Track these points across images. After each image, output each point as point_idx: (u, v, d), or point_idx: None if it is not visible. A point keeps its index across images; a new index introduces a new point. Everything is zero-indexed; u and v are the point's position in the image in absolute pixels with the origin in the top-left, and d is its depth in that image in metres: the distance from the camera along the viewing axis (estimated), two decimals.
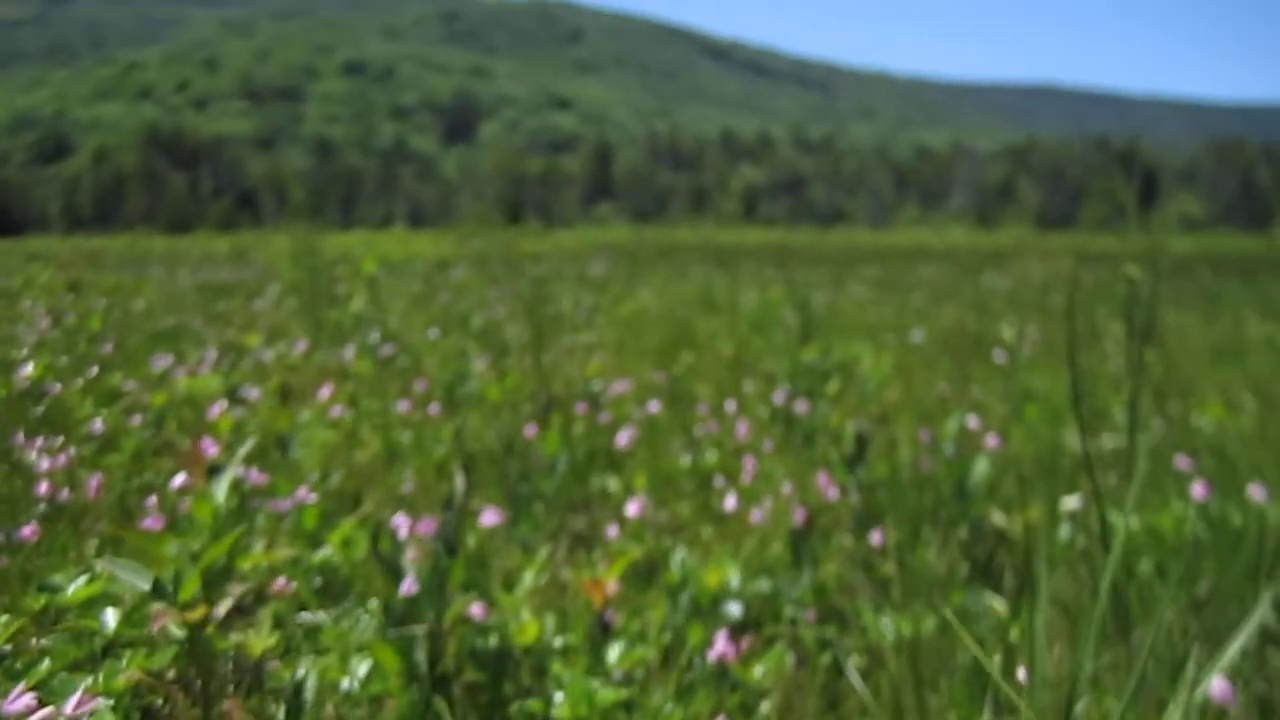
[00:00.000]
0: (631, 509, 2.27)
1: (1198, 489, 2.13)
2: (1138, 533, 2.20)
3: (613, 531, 2.37)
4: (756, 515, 2.32)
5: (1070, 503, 2.30)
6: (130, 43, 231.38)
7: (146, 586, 1.14)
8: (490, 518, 1.74)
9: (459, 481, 1.50)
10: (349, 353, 4.45)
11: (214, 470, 1.26)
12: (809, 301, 8.39)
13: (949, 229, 74.82)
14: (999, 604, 1.95)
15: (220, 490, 1.24)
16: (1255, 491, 2.06)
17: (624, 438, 2.95)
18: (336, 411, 3.35)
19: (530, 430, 3.06)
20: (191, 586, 1.16)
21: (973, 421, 2.70)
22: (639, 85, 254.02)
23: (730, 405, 3.76)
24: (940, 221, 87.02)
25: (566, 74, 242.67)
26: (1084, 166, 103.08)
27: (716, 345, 5.72)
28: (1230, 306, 9.76)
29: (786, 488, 2.79)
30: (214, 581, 1.23)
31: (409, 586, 1.38)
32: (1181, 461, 2.30)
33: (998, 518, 2.36)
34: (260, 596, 1.35)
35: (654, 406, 3.36)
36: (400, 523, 1.63)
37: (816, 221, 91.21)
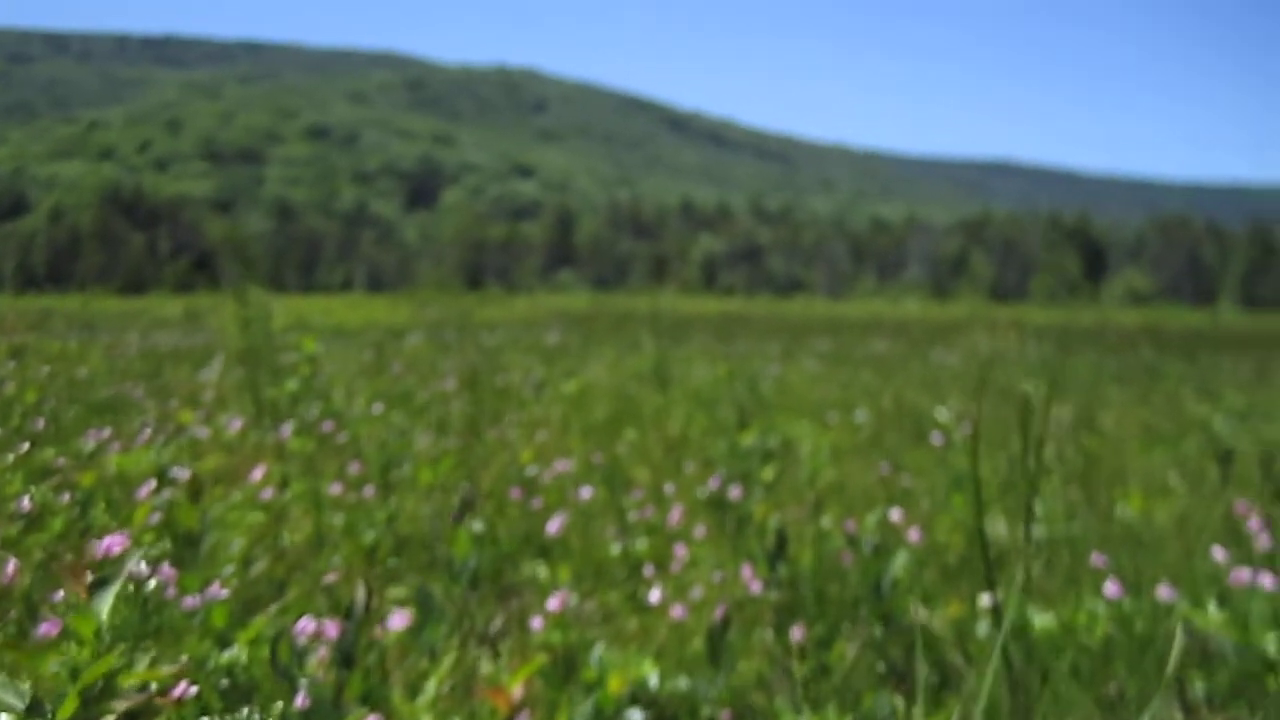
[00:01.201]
0: (553, 603, 2.26)
1: (1111, 587, 2.16)
2: (1053, 631, 2.22)
3: (538, 623, 2.36)
4: (678, 611, 2.32)
5: (988, 599, 2.31)
6: (93, 103, 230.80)
7: (21, 706, 1.12)
8: (397, 621, 1.72)
9: (360, 591, 1.49)
10: (287, 430, 4.42)
11: (100, 583, 1.25)
12: (757, 378, 8.45)
13: (904, 300, 75.92)
14: (908, 704, 1.96)
15: (104, 604, 1.23)
16: (1163, 591, 2.10)
17: (554, 525, 2.94)
18: (268, 494, 3.31)
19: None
20: (69, 708, 1.14)
21: (896, 514, 2.72)
22: (601, 154, 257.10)
23: (669, 488, 3.77)
24: (896, 292, 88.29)
25: (530, 142, 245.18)
26: (1036, 241, 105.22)
27: (661, 423, 5.73)
28: (1169, 384, 9.95)
29: (717, 577, 2.79)
30: (96, 698, 1.21)
31: (302, 701, 1.36)
32: (1098, 558, 2.34)
33: (919, 614, 2.38)
34: (150, 709, 1.33)
35: (586, 492, 3.36)
36: (305, 627, 1.62)
37: (775, 290, 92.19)
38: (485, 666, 1.76)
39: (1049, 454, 4.48)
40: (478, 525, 2.92)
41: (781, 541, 2.29)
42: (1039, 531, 3.11)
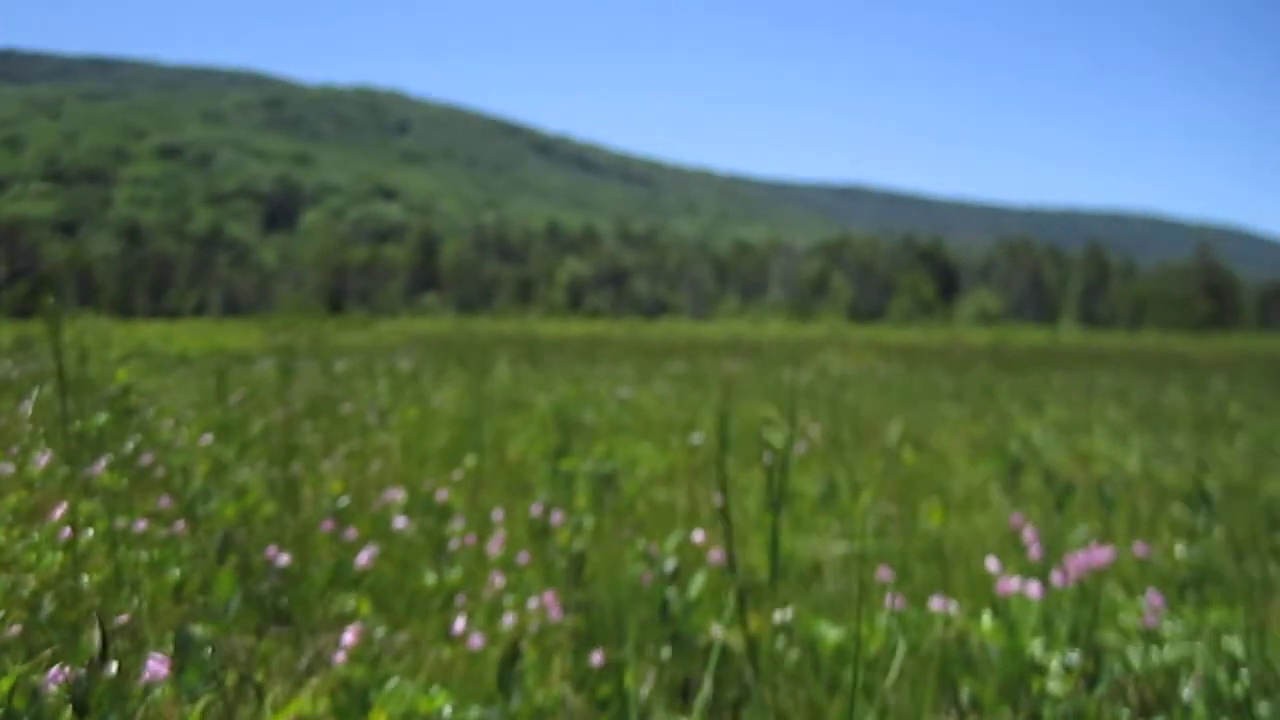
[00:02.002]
0: (348, 636, 2.22)
1: (896, 600, 2.25)
2: (841, 643, 2.29)
3: (340, 657, 2.31)
4: (476, 640, 2.31)
5: (783, 615, 2.38)
6: None
7: None
8: (155, 666, 1.66)
9: (95, 636, 1.43)
10: (101, 465, 4.23)
11: None
12: (604, 401, 8.50)
13: (767, 321, 77.49)
14: None
15: None
16: (935, 603, 2.19)
17: (364, 557, 2.89)
18: (67, 532, 3.16)
19: (272, 553, 2.97)
20: None
21: (699, 535, 2.77)
22: (466, 177, 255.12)
23: (498, 514, 3.75)
24: (758, 314, 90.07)
25: (393, 164, 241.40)
26: (892, 263, 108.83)
27: (502, 447, 5.70)
28: (1002, 400, 10.40)
29: (535, 604, 2.79)
30: None
31: None
32: (884, 572, 2.42)
33: (716, 631, 2.42)
34: None
35: (401, 522, 3.32)
36: (55, 675, 1.54)
37: (640, 313, 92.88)
38: (247, 710, 1.71)
39: (872, 470, 4.64)
40: (284, 559, 2.85)
41: (579, 566, 2.30)
42: (847, 548, 3.21)
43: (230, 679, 1.68)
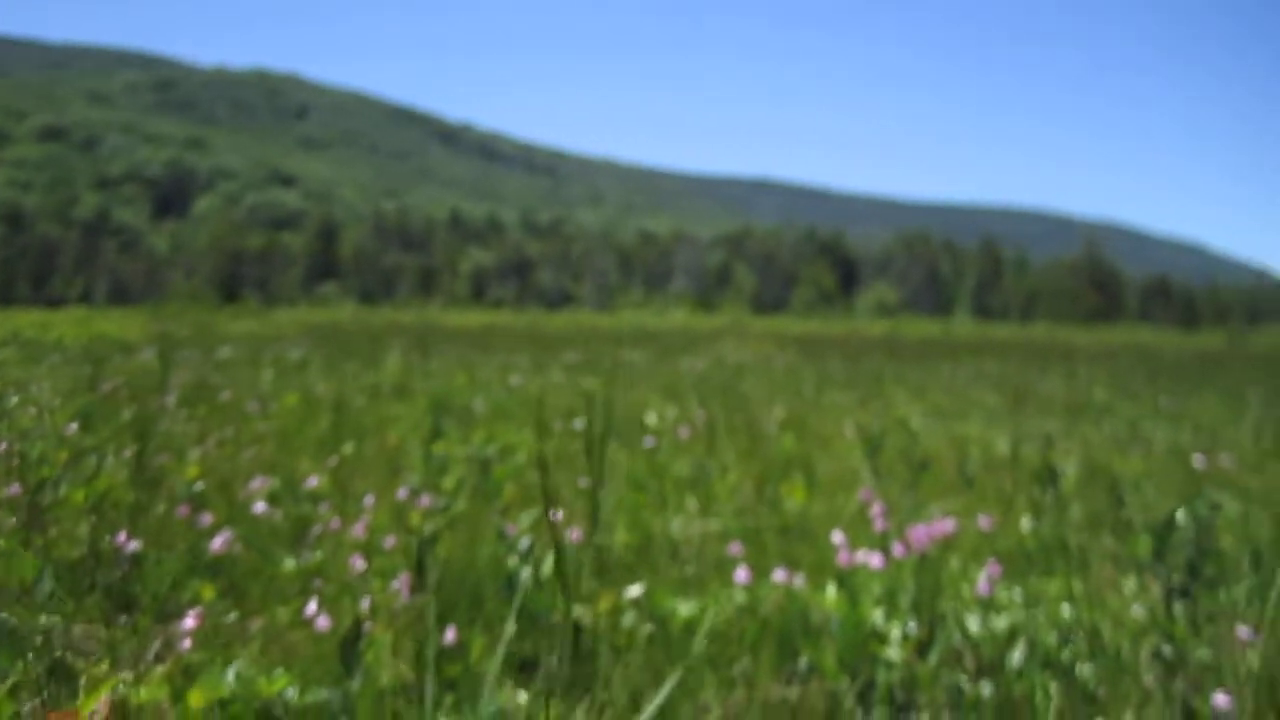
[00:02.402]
0: (188, 622, 2.16)
1: (741, 573, 2.29)
2: (692, 617, 2.32)
3: (187, 644, 2.25)
4: (323, 621, 2.27)
5: (633, 591, 2.39)
6: None
7: None
8: None
9: None
10: None
11: None
12: (493, 387, 8.44)
13: (670, 311, 77.87)
14: (544, 696, 2.00)
15: None
16: (779, 575, 2.24)
17: (219, 542, 2.83)
18: None
19: (121, 539, 2.88)
20: None
21: (559, 515, 2.77)
22: (367, 165, 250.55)
23: (369, 499, 3.69)
24: (662, 304, 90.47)
25: (290, 150, 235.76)
26: (795, 255, 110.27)
27: (383, 434, 5.62)
28: (891, 387, 10.65)
29: (397, 586, 2.75)
30: None
31: None
32: (735, 547, 2.46)
33: (577, 611, 2.43)
34: None
35: (261, 507, 3.25)
36: None
37: (544, 304, 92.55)
38: (60, 691, 1.66)
39: (748, 453, 4.70)
40: (133, 545, 2.77)
41: (429, 543, 2.29)
42: (715, 525, 3.25)
43: (44, 662, 1.62)
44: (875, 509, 2.53)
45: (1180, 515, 2.21)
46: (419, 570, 2.30)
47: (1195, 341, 41.72)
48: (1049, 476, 3.01)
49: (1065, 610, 2.37)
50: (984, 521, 2.61)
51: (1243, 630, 2.08)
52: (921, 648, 2.03)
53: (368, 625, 2.18)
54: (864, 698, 2.00)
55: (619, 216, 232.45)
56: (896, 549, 2.30)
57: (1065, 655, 2.14)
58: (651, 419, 4.78)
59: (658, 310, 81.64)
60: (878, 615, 2.17)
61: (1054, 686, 2.06)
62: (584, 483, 3.72)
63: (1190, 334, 57.97)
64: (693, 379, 11.52)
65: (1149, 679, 2.05)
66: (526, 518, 2.58)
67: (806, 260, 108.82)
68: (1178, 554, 2.14)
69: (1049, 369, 15.16)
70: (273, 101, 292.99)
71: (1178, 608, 2.11)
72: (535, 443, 4.84)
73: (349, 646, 2.04)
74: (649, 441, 4.94)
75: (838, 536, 2.34)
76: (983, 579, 2.27)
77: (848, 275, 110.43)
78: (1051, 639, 2.23)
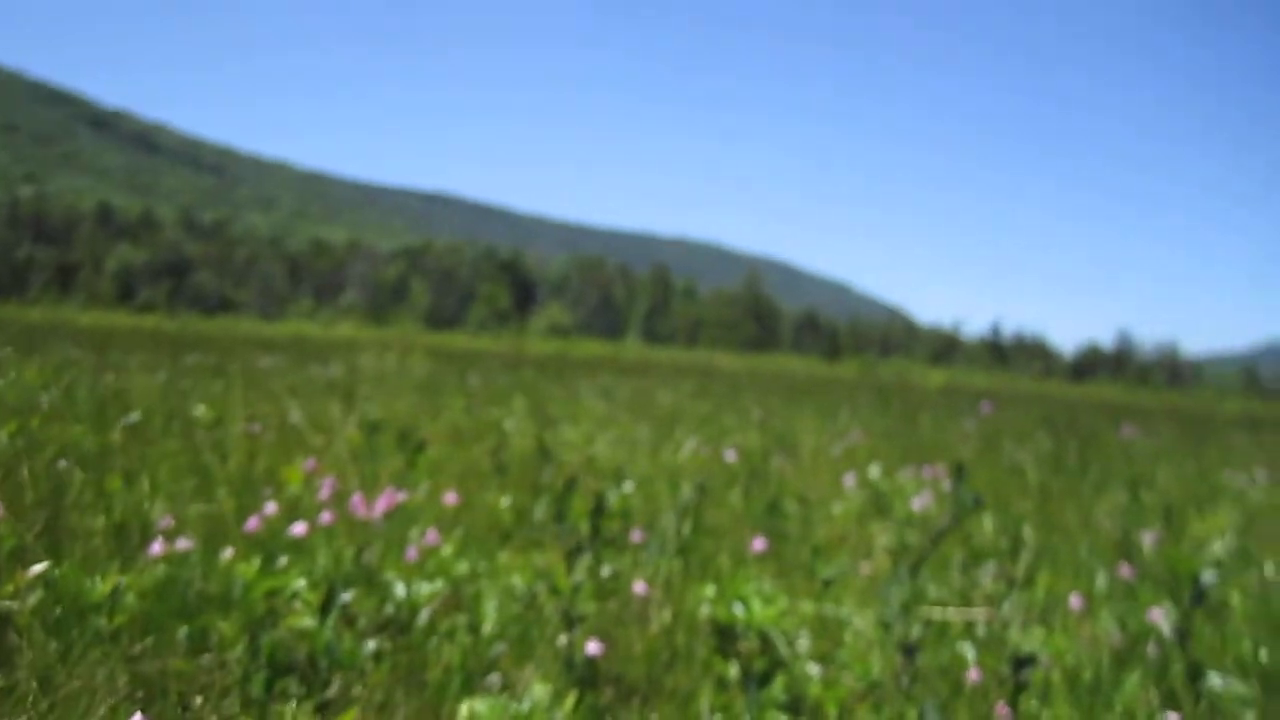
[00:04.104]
0: None
1: (180, 543, 2.21)
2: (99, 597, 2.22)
3: None
4: None
5: (37, 569, 2.25)
6: None
7: None
8: None
9: None
10: None
11: None
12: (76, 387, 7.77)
13: (340, 323, 75.39)
14: None
15: None
16: (227, 552, 2.18)
17: None
18: None
19: None
20: None
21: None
22: (2, 146, 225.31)
23: None
24: (332, 315, 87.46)
25: None
26: (473, 272, 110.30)
27: None
28: (509, 396, 10.85)
29: None
30: None
31: None
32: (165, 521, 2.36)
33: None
34: None
35: None
36: None
37: (203, 309, 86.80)
38: None
39: (313, 448, 4.60)
40: None
41: None
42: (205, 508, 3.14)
43: None
44: (327, 483, 2.53)
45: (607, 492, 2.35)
46: None
47: (835, 370, 45.76)
48: (546, 455, 3.15)
49: (515, 580, 2.48)
50: (451, 497, 2.69)
51: (639, 586, 2.25)
52: (322, 609, 2.04)
53: None
54: (258, 658, 1.98)
55: (291, 222, 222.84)
56: (325, 517, 2.31)
57: (489, 628, 2.23)
58: (198, 410, 4.58)
59: (326, 321, 78.85)
60: (298, 581, 2.16)
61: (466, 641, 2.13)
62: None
63: (833, 363, 63.47)
64: (320, 384, 11.19)
65: (559, 639, 2.17)
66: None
67: (485, 278, 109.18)
68: (592, 522, 2.29)
69: (680, 385, 16.02)
70: None
71: (580, 566, 2.26)
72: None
73: None
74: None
75: (270, 506, 2.32)
76: (418, 544, 2.32)
77: (525, 295, 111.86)
78: (489, 603, 2.31)
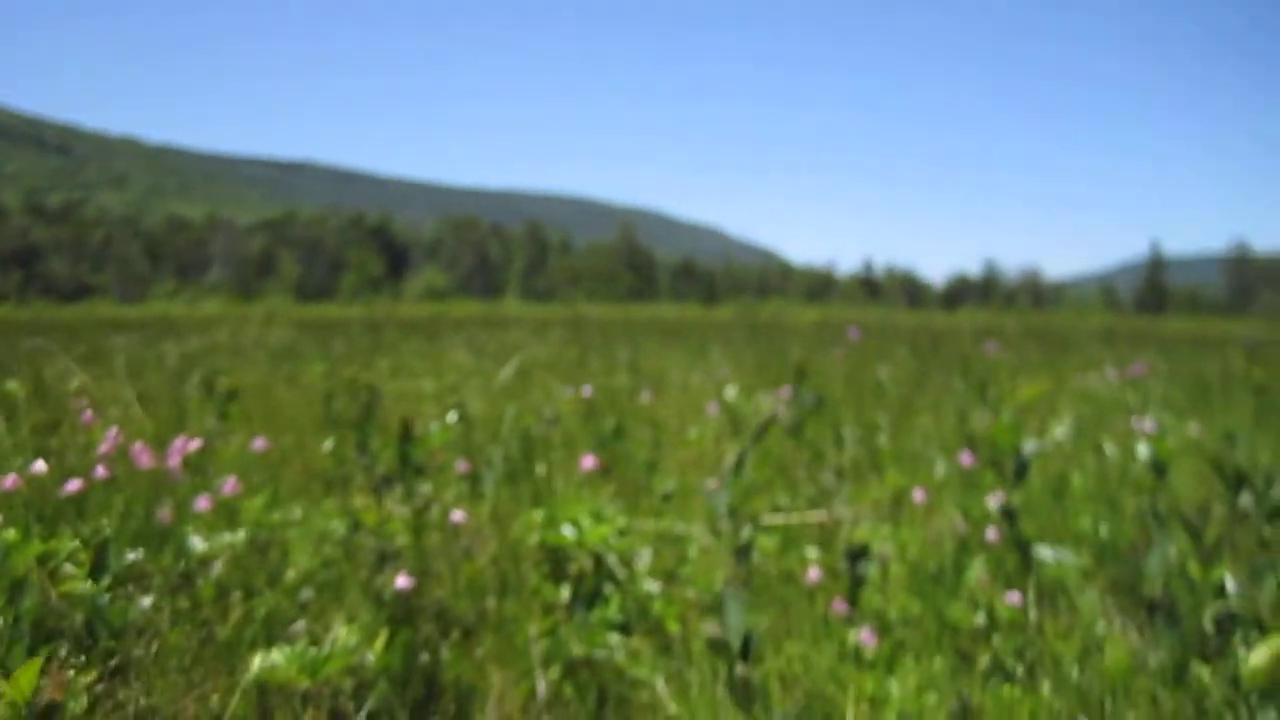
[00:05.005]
0: None
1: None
2: None
3: None
4: None
5: None
6: None
7: None
8: None
9: None
10: None
11: None
12: None
13: (206, 301, 72.70)
14: None
15: None
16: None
17: None
18: None
19: None
20: None
21: None
22: None
23: None
24: (197, 294, 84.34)
25: None
26: (341, 240, 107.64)
27: None
28: (373, 355, 10.59)
29: None
30: None
31: None
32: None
33: None
34: None
35: None
36: None
37: (57, 296, 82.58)
38: None
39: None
40: None
41: None
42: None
43: None
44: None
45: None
46: None
47: (713, 314, 46.09)
48: (368, 400, 2.96)
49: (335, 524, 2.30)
50: (258, 442, 2.49)
51: (457, 514, 2.10)
52: (93, 571, 1.83)
53: None
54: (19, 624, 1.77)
55: (146, 200, 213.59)
56: (100, 471, 2.09)
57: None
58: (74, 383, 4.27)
59: (191, 300, 75.98)
60: (74, 543, 1.95)
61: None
62: None
63: (711, 308, 64.02)
64: (174, 358, 10.68)
65: (364, 572, 2.00)
66: None
67: (354, 245, 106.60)
68: (400, 450, 2.12)
69: (550, 336, 15.86)
70: None
71: (391, 500, 2.10)
72: None
73: None
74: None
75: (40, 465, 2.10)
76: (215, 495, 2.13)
77: (398, 260, 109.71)
78: (302, 551, 2.13)
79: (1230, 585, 1.52)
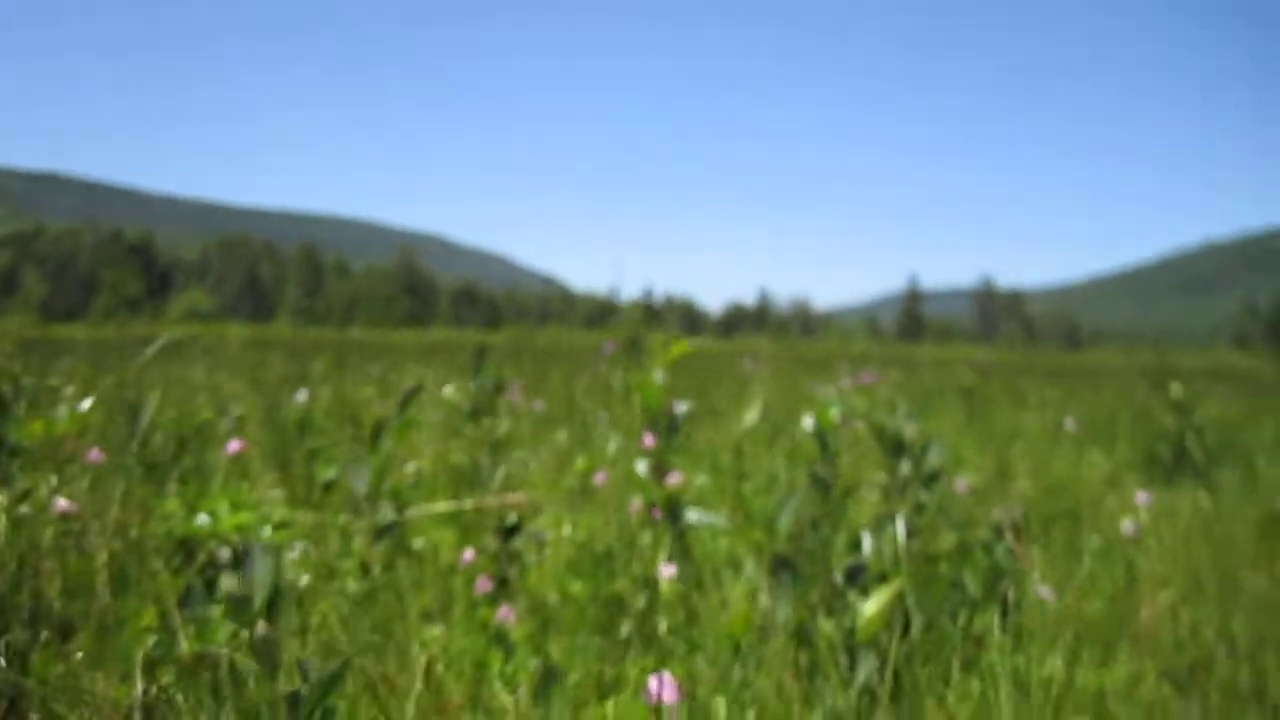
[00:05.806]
0: None
1: None
2: None
3: None
4: None
5: None
6: None
7: None
8: None
9: None
10: None
11: None
12: None
13: None
14: None
15: None
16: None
17: None
18: None
19: None
20: None
21: None
22: None
23: None
24: None
25: None
26: (96, 258, 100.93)
27: None
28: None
29: None
30: None
31: None
32: None
33: None
34: None
35: None
36: None
37: None
38: None
39: None
40: None
41: None
42: None
43: None
44: None
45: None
46: None
47: (495, 338, 45.77)
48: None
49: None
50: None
51: (61, 502, 1.87)
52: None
53: None
54: None
55: None
56: None
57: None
58: None
59: None
60: None
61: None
62: None
63: (493, 333, 63.69)
64: None
65: None
66: None
67: (110, 263, 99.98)
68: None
69: (317, 358, 15.29)
70: None
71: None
72: None
73: None
74: None
75: None
76: None
77: (160, 280, 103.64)
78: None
79: (866, 541, 1.51)
